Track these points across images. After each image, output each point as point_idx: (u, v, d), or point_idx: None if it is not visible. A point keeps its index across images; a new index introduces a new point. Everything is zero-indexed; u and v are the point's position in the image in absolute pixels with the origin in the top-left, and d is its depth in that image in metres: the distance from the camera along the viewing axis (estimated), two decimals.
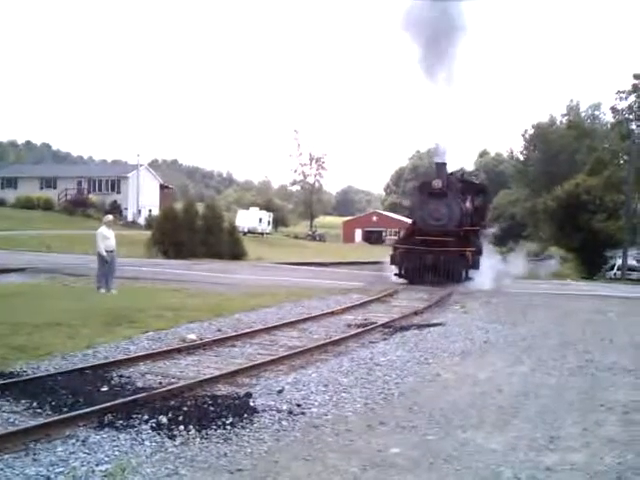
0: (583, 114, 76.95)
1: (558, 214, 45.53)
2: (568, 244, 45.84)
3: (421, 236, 20.58)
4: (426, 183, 22.28)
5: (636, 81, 44.73)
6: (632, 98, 45.64)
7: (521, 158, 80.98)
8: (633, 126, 44.96)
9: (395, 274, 20.86)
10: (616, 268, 39.31)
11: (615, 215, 40.44)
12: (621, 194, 40.18)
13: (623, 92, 45.92)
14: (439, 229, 20.44)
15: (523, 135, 78.34)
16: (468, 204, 21.79)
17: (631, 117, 46.23)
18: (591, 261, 42.39)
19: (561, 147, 69.05)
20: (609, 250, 41.60)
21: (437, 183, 20.68)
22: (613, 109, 48.49)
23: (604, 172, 43.19)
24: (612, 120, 52.04)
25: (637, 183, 40.53)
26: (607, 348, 10.51)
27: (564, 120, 75.93)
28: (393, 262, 20.90)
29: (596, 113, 75.79)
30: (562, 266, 45.96)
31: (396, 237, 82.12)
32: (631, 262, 37.78)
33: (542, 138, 73.73)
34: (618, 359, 9.54)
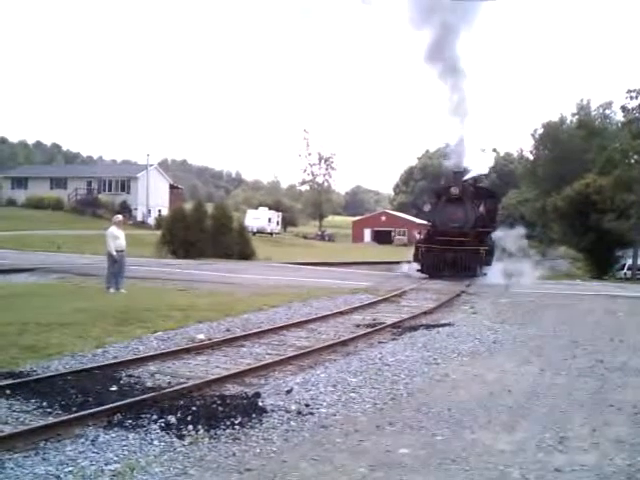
0: (593, 113, 76.24)
1: (568, 214, 45.24)
2: (578, 244, 45.54)
3: (441, 236, 22.88)
4: (443, 189, 25.20)
5: None
6: None
7: (531, 157, 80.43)
8: None
9: (417, 270, 23.23)
10: (626, 268, 39.09)
11: (626, 215, 40.12)
12: (632, 194, 39.87)
13: (633, 91, 45.48)
14: (457, 230, 22.81)
15: (533, 134, 77.77)
16: (481, 208, 23.67)
17: None
18: (601, 261, 42.11)
19: (571, 146, 68.49)
20: (619, 250, 41.37)
21: (455, 190, 23.11)
22: (623, 108, 48.03)
23: (614, 171, 42.83)
24: (622, 119, 51.60)
25: None
26: (617, 348, 10.45)
27: (574, 119, 75.37)
28: (416, 259, 23.39)
29: (607, 112, 75.07)
30: (572, 266, 45.76)
31: (404, 237, 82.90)
32: None
33: (552, 137, 73.12)
34: (628, 359, 9.49)
